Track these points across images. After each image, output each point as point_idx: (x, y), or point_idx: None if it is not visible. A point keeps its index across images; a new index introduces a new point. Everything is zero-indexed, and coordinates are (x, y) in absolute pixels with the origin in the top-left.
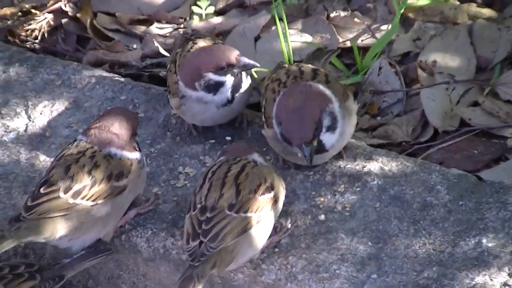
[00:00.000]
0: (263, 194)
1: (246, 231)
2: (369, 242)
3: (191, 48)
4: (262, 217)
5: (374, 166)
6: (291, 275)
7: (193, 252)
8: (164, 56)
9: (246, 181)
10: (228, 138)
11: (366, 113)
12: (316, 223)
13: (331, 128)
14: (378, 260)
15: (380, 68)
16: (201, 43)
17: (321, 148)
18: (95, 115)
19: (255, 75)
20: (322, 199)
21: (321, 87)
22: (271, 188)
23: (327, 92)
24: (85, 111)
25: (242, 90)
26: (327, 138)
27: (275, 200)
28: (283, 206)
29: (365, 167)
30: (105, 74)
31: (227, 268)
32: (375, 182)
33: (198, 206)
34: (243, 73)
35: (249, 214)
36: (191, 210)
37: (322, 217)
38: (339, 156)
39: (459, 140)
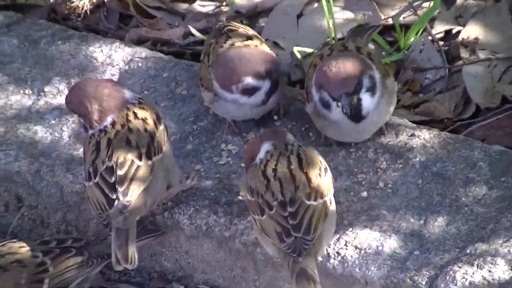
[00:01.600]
0: (325, 175)
1: (326, 216)
2: (411, 219)
3: (225, 42)
4: (331, 197)
5: (416, 143)
6: (334, 251)
7: (293, 248)
8: (202, 36)
9: (310, 168)
10: (275, 117)
11: (408, 90)
12: (359, 200)
13: (371, 91)
14: (420, 236)
15: (422, 46)
16: (236, 39)
17: (359, 110)
18: (138, 93)
19: (298, 55)
20: (365, 176)
21: (362, 57)
22: (326, 168)
23: (369, 61)
24: (128, 89)
25: (277, 91)
26: (366, 99)
27: (332, 181)
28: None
29: (407, 144)
30: (147, 51)
31: (319, 255)
32: (417, 159)
33: (275, 203)
34: None
35: (325, 199)
36: (267, 210)
37: (365, 194)
38: (381, 133)
39: (501, 117)
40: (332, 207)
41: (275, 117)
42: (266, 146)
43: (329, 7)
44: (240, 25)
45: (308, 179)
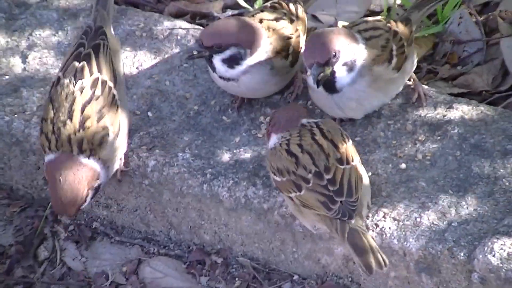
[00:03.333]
0: (348, 141)
1: (360, 178)
2: (450, 191)
3: (256, 14)
4: (359, 159)
5: (454, 115)
6: (372, 223)
7: (342, 212)
8: (244, 7)
9: (333, 136)
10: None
11: (447, 62)
12: (397, 172)
13: (349, 67)
14: (458, 208)
15: (460, 18)
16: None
17: (332, 82)
18: (176, 66)
19: None
20: (403, 148)
21: (353, 32)
22: (347, 135)
23: (358, 37)
24: (166, 62)
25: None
26: (341, 73)
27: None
28: (364, 154)
29: (445, 116)
30: (186, 25)
31: (364, 214)
32: (456, 131)
33: (310, 176)
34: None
35: (354, 162)
36: (304, 184)
37: (403, 165)
38: (419, 105)
39: None
40: (362, 169)
41: (288, 97)
42: (278, 135)
43: None
44: (292, 6)
45: (335, 146)
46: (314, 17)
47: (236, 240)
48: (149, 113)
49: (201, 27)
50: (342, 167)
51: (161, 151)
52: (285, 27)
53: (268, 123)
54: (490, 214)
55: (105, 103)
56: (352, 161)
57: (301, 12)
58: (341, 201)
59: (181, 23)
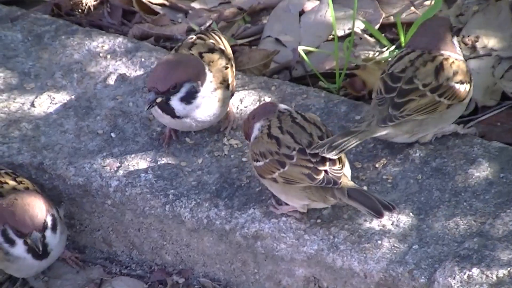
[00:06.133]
0: (326, 127)
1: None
2: (411, 213)
3: (193, 42)
4: None
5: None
6: (333, 245)
7: (327, 180)
8: (195, 30)
9: (314, 120)
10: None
11: None
12: None
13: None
14: (419, 231)
15: None
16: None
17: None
18: (140, 88)
19: (303, 54)
20: (365, 171)
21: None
22: (324, 124)
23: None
24: (130, 84)
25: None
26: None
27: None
28: None
29: None
30: (150, 47)
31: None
32: (417, 154)
33: (294, 153)
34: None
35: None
36: (288, 160)
37: (365, 188)
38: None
39: (499, 112)
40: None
41: (225, 133)
42: (258, 125)
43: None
44: (214, 36)
45: (317, 127)
46: (278, 41)
47: (198, 261)
48: (113, 134)
49: (165, 50)
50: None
51: (124, 171)
52: (221, 58)
53: (246, 120)
54: (450, 237)
55: None
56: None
57: (225, 41)
58: (325, 171)
59: (145, 46)
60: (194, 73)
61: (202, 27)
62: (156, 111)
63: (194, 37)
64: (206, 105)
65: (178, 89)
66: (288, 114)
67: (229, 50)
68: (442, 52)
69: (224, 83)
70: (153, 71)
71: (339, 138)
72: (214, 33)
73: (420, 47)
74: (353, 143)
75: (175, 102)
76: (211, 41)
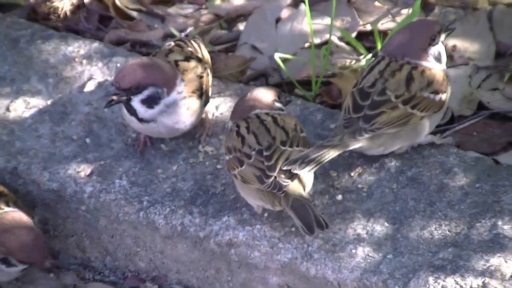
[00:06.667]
0: (301, 132)
1: None
2: (386, 223)
3: (170, 49)
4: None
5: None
6: (307, 254)
7: (274, 185)
8: (176, 36)
9: (285, 124)
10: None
11: None
12: (334, 203)
13: (151, 103)
14: (394, 240)
15: None
16: (173, 55)
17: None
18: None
19: (279, 62)
20: (340, 179)
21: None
22: (302, 129)
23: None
24: (105, 89)
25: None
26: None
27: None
28: None
29: None
30: (126, 53)
31: (306, 190)
32: (393, 163)
33: (253, 153)
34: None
35: (300, 148)
36: (247, 160)
37: (340, 197)
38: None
39: (476, 122)
40: None
41: (201, 139)
42: (232, 122)
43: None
44: (192, 44)
45: (285, 132)
46: (254, 48)
47: (172, 268)
48: (87, 140)
49: (141, 55)
50: (283, 148)
51: (98, 177)
52: (196, 67)
53: (241, 102)
54: (425, 247)
55: None
56: (299, 145)
57: (204, 49)
58: (275, 177)
59: (121, 51)
60: (161, 78)
61: (183, 34)
62: (124, 114)
63: (172, 43)
64: (174, 113)
65: (140, 90)
66: (258, 117)
67: (207, 58)
68: (408, 60)
69: (197, 92)
70: (122, 68)
71: (311, 153)
72: (194, 40)
73: (388, 52)
74: (326, 158)
75: (136, 104)
76: (190, 49)
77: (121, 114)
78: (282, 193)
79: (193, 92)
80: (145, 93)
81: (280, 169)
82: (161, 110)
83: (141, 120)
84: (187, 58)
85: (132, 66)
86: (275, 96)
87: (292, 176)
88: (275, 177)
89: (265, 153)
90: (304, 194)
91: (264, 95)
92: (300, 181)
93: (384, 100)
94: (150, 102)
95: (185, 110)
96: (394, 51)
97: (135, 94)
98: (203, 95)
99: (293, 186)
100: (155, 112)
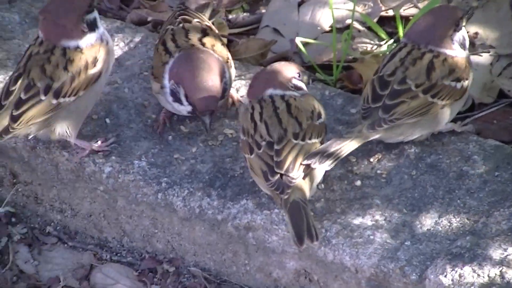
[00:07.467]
0: (317, 119)
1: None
2: (404, 209)
3: (186, 37)
4: (323, 139)
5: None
6: (325, 239)
7: (277, 186)
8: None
9: (299, 112)
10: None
11: None
12: (352, 189)
13: None
14: (412, 227)
15: None
16: (193, 35)
17: None
18: (136, 74)
19: (301, 45)
20: (359, 165)
21: None
22: (320, 114)
23: None
24: (126, 69)
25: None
26: None
27: (325, 126)
28: None
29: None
30: (148, 33)
31: (310, 192)
32: (412, 150)
33: (263, 143)
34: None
35: (315, 140)
36: (256, 149)
37: (358, 182)
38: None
39: (496, 110)
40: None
41: (228, 109)
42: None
43: None
44: (194, 13)
45: (298, 122)
46: (276, 30)
47: (189, 250)
48: (107, 120)
49: None
50: (295, 141)
51: (117, 157)
52: (215, 38)
53: (256, 80)
54: (443, 235)
55: None
56: (312, 138)
57: (204, 16)
58: (281, 174)
59: (142, 31)
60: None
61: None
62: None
63: (182, 22)
64: (226, 80)
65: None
66: (272, 101)
67: (212, 25)
68: (431, 48)
69: (229, 62)
70: (194, 90)
71: (330, 146)
72: (189, 10)
73: (411, 40)
74: (346, 151)
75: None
76: (196, 20)
77: (161, 99)
78: (282, 193)
79: (226, 62)
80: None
81: (290, 165)
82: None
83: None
84: (204, 32)
85: (202, 82)
86: (295, 73)
87: (299, 175)
88: (282, 175)
89: (275, 147)
90: (307, 195)
91: (282, 71)
92: (310, 178)
93: (404, 89)
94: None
95: (231, 74)
96: (417, 38)
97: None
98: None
99: (298, 185)
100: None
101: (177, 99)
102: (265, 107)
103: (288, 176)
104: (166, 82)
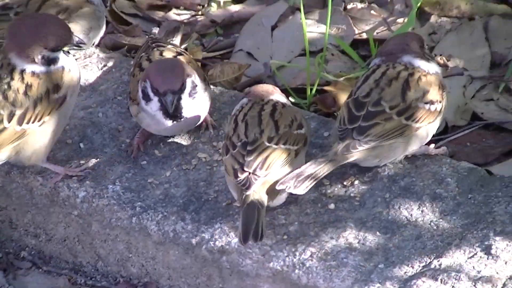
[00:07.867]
0: (296, 129)
1: (283, 160)
2: (378, 232)
3: (160, 55)
4: (300, 150)
5: None
6: (299, 262)
7: (244, 182)
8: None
9: (281, 118)
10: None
11: None
12: (326, 212)
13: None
14: (385, 250)
15: None
16: (167, 53)
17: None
18: (110, 98)
19: (276, 70)
20: (332, 188)
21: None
22: (301, 126)
23: None
24: (100, 94)
25: (191, 107)
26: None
27: (306, 138)
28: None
29: None
30: (122, 57)
31: (275, 202)
32: (386, 173)
33: (239, 144)
34: (200, 91)
35: (288, 146)
36: (231, 150)
37: (332, 206)
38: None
39: (469, 132)
40: (299, 159)
41: (202, 132)
42: (244, 101)
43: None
44: (166, 43)
45: (276, 127)
46: (249, 54)
47: (163, 274)
48: (81, 144)
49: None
50: (268, 144)
51: (92, 182)
52: (190, 60)
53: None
54: (417, 257)
55: None
56: (286, 144)
57: (179, 48)
58: (249, 172)
59: (117, 56)
60: (189, 69)
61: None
62: (154, 118)
63: (156, 47)
64: (203, 99)
65: (185, 85)
66: (263, 104)
67: (185, 51)
68: (405, 62)
69: (206, 81)
70: (156, 72)
71: (306, 170)
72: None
73: (385, 57)
74: (322, 175)
75: (185, 99)
76: (170, 46)
77: (141, 119)
78: (247, 189)
79: (204, 80)
80: (189, 86)
81: (258, 165)
82: (198, 98)
83: (177, 116)
84: (179, 54)
85: (164, 67)
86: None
87: (266, 174)
88: (250, 173)
89: (248, 148)
90: (267, 202)
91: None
92: (274, 186)
93: (378, 111)
94: (191, 93)
95: (207, 96)
96: (391, 51)
97: (182, 91)
98: (209, 84)
99: (261, 190)
100: (194, 102)
101: (147, 97)
102: (254, 107)
103: (255, 174)
104: (140, 93)
